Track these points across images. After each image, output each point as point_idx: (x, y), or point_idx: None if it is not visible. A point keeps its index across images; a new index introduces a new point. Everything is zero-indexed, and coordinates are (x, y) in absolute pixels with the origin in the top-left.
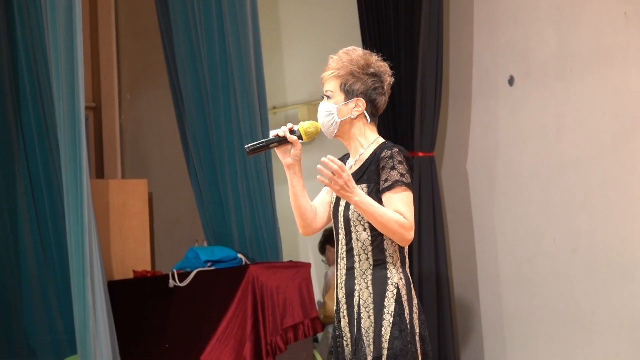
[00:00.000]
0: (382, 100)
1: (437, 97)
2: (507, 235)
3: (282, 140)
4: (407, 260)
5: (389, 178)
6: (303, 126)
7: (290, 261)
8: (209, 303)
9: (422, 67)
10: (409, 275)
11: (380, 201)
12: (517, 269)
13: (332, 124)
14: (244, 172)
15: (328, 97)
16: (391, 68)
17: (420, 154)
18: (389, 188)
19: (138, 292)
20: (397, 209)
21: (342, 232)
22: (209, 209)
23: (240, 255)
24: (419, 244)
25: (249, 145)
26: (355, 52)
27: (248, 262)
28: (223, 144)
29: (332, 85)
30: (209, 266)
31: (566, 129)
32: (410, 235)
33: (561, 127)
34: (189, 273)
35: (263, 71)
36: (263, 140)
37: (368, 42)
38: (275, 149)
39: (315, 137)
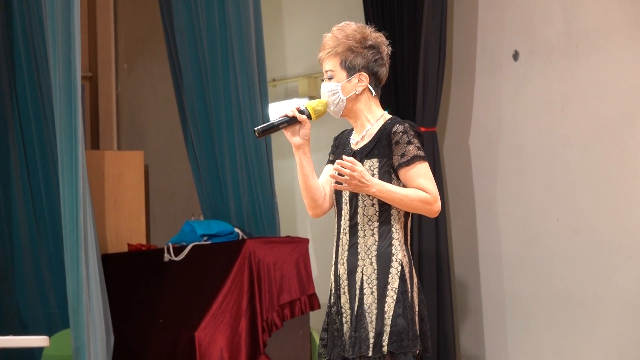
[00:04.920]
0: (384, 72)
1: (440, 72)
2: (510, 214)
3: (291, 120)
4: (409, 238)
5: (406, 153)
6: (312, 105)
7: (288, 236)
8: (205, 278)
9: (425, 41)
10: (411, 253)
11: (391, 175)
12: (519, 248)
13: (338, 102)
14: (242, 146)
15: (330, 77)
16: (394, 42)
17: (422, 129)
18: (407, 163)
19: (132, 266)
20: (420, 185)
21: (346, 208)
22: (206, 183)
23: (237, 230)
24: (419, 222)
25: (259, 127)
26: (349, 27)
27: (245, 237)
28: (221, 116)
29: (331, 64)
30: (205, 240)
31: (571, 106)
32: (438, 206)
33: (566, 105)
34: (185, 247)
35: (263, 43)
36: (272, 121)
37: (370, 14)
38: (283, 129)
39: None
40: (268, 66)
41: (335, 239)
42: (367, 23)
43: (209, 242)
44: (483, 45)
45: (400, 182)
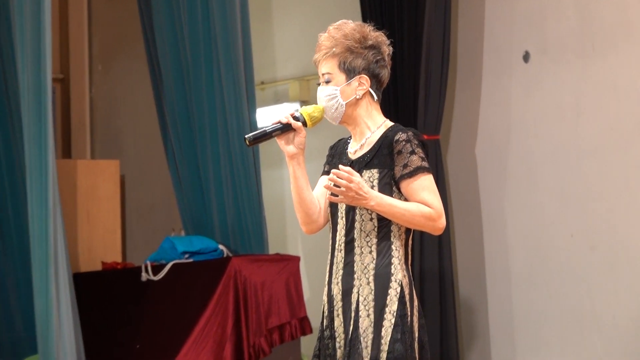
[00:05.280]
0: (386, 74)
1: (444, 74)
2: (519, 229)
3: (285, 128)
4: (410, 257)
5: (409, 164)
6: (307, 111)
7: (277, 254)
8: (186, 299)
9: (427, 41)
10: (411, 273)
11: (392, 187)
12: (530, 266)
13: (336, 107)
14: (228, 154)
15: (327, 80)
16: (394, 41)
17: (424, 136)
18: (410, 175)
19: (107, 286)
20: (423, 199)
21: (341, 222)
22: (187, 195)
23: (221, 247)
24: (421, 237)
25: (249, 135)
26: (347, 26)
27: (230, 254)
28: (205, 122)
29: (329, 67)
30: (187, 258)
31: (586, 111)
32: (442, 223)
33: (581, 110)
34: (164, 265)
35: (251, 42)
36: (264, 128)
37: (368, 11)
38: (276, 137)
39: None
40: (256, 67)
41: (329, 257)
42: (364, 20)
43: (190, 260)
44: (491, 45)
45: (401, 195)
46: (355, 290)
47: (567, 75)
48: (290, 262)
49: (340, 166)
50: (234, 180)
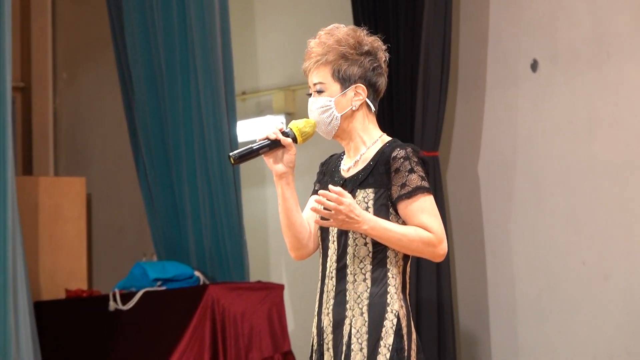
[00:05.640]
0: (383, 82)
1: (444, 85)
2: (526, 256)
3: (273, 144)
4: (407, 285)
5: (407, 183)
6: (297, 125)
7: (259, 282)
8: (158, 331)
9: (425, 48)
10: (409, 303)
11: (388, 209)
12: (538, 297)
13: (330, 121)
14: (205, 172)
15: (319, 91)
16: (389, 49)
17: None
18: (408, 196)
19: (71, 315)
20: (422, 222)
21: (333, 247)
22: (160, 216)
23: (197, 273)
24: (417, 264)
25: (235, 153)
26: (339, 31)
27: (207, 282)
28: (180, 136)
29: (321, 76)
30: (159, 286)
31: (600, 126)
32: (443, 249)
33: (594, 125)
34: (134, 294)
35: (231, 48)
36: (251, 145)
37: (360, 16)
38: (263, 155)
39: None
40: (237, 76)
41: (319, 285)
42: (356, 25)
43: (163, 288)
44: (495, 53)
45: (399, 218)
46: (347, 321)
47: (579, 87)
48: (273, 291)
49: (330, 186)
50: (211, 200)
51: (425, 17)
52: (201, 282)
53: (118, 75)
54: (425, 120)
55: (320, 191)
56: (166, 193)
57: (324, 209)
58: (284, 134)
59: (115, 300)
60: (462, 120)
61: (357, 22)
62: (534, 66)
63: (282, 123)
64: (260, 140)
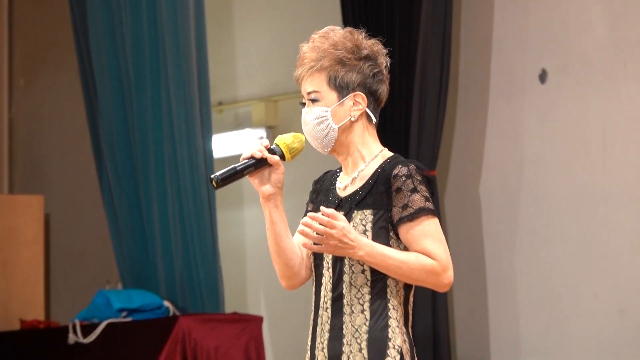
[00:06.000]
0: (384, 90)
1: (442, 98)
2: (532, 287)
3: (259, 163)
4: (410, 317)
5: (409, 204)
6: (285, 141)
7: (235, 313)
8: None
9: (422, 56)
10: (412, 337)
11: (389, 232)
12: (544, 333)
13: (327, 133)
14: (176, 191)
15: (313, 100)
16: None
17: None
18: (410, 218)
19: (26, 349)
20: (425, 248)
21: (327, 274)
22: (126, 239)
23: (166, 303)
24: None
25: (217, 174)
26: (335, 33)
27: (177, 313)
28: (149, 151)
29: (316, 83)
30: (124, 317)
31: (615, 144)
32: (448, 278)
33: (609, 142)
34: (97, 325)
35: (207, 54)
36: (234, 165)
37: (351, 19)
38: (248, 176)
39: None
40: (213, 85)
41: (312, 316)
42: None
43: (129, 319)
44: (500, 62)
45: (400, 242)
46: (344, 358)
47: (592, 100)
48: (250, 324)
49: (322, 208)
50: (183, 223)
51: (423, 22)
52: (171, 313)
53: (81, 83)
54: (422, 135)
55: (309, 214)
56: (133, 214)
57: (316, 233)
58: (270, 151)
59: (75, 332)
60: (462, 136)
61: (347, 26)
62: (543, 77)
63: (263, 138)
64: (244, 159)
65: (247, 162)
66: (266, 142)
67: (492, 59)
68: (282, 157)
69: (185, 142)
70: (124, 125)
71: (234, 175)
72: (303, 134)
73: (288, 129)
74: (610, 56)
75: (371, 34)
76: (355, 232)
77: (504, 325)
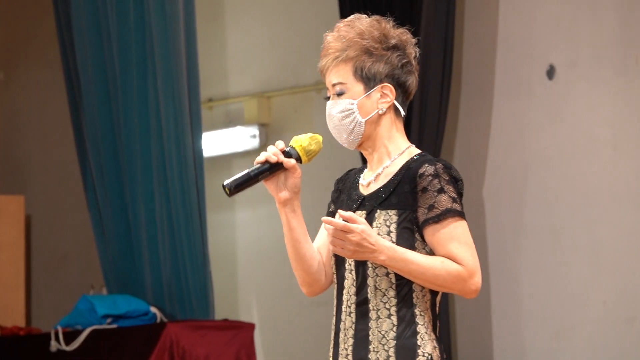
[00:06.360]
0: (413, 82)
1: (444, 95)
2: (538, 293)
3: (274, 168)
4: (438, 321)
5: (436, 205)
6: (301, 143)
7: (226, 320)
8: None
9: (423, 52)
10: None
11: (414, 234)
12: (550, 342)
13: (353, 127)
14: (164, 192)
15: (339, 93)
16: None
17: None
18: (436, 220)
19: (6, 356)
20: (451, 252)
21: (350, 277)
22: (111, 243)
23: (153, 309)
24: None
25: (230, 181)
26: (362, 22)
27: (165, 320)
28: (136, 149)
29: (341, 75)
30: (109, 323)
31: (626, 144)
32: (475, 283)
33: (619, 143)
34: (80, 332)
35: (196, 49)
36: (247, 171)
37: (348, 12)
38: (264, 181)
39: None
40: (203, 80)
41: (333, 321)
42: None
43: (114, 326)
44: (505, 57)
45: (426, 245)
46: None
47: (602, 97)
48: (242, 331)
49: (340, 211)
50: (172, 225)
51: (424, 15)
52: (158, 320)
53: (64, 78)
54: (422, 135)
55: (323, 218)
56: (118, 216)
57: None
58: (286, 154)
59: (57, 339)
60: (466, 135)
61: (344, 17)
62: (550, 72)
63: (281, 142)
64: (257, 163)
65: (261, 167)
66: (281, 144)
67: (497, 54)
68: (299, 159)
69: (174, 140)
70: (109, 123)
71: (248, 182)
72: (300, 135)
73: (281, 126)
74: (621, 51)
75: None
76: (376, 235)
77: (509, 333)
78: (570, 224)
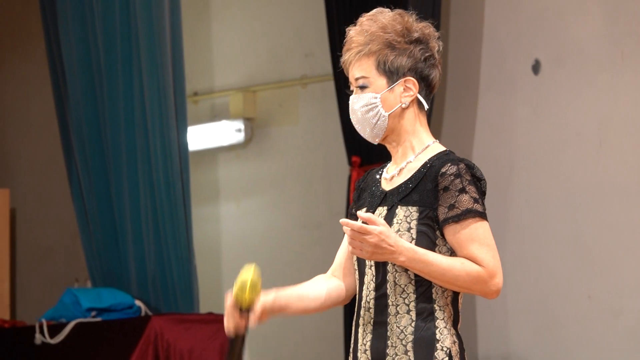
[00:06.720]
0: (437, 75)
1: None
2: (522, 289)
3: (240, 339)
4: (460, 316)
5: (456, 205)
6: (240, 294)
7: (211, 313)
8: None
9: None
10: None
11: (435, 232)
12: (535, 336)
13: (377, 121)
14: (149, 184)
15: (362, 86)
16: None
17: None
18: (456, 219)
19: None
20: (472, 253)
21: (370, 273)
22: (96, 235)
23: (138, 303)
24: None
25: None
26: (384, 16)
27: (149, 313)
28: (121, 143)
29: (364, 69)
30: (94, 316)
31: (612, 140)
32: (496, 285)
33: (604, 137)
34: (65, 325)
35: (182, 42)
36: (229, 348)
37: (334, 8)
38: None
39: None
40: (188, 74)
41: (354, 317)
42: (329, 18)
43: (98, 319)
44: (491, 51)
45: (446, 243)
46: None
47: (588, 92)
48: None
49: (359, 213)
50: (156, 219)
51: (410, 10)
52: (143, 313)
53: (49, 70)
54: None
55: (341, 220)
56: (103, 209)
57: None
58: (241, 313)
59: (42, 332)
60: (450, 130)
61: (330, 13)
62: (536, 67)
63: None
64: (230, 336)
65: (234, 339)
66: (226, 316)
67: (483, 48)
68: (245, 310)
69: (159, 134)
70: (95, 116)
71: (236, 354)
72: (242, 276)
73: (266, 120)
74: (607, 46)
75: (352, 22)
76: (395, 236)
77: (493, 328)
78: (555, 219)
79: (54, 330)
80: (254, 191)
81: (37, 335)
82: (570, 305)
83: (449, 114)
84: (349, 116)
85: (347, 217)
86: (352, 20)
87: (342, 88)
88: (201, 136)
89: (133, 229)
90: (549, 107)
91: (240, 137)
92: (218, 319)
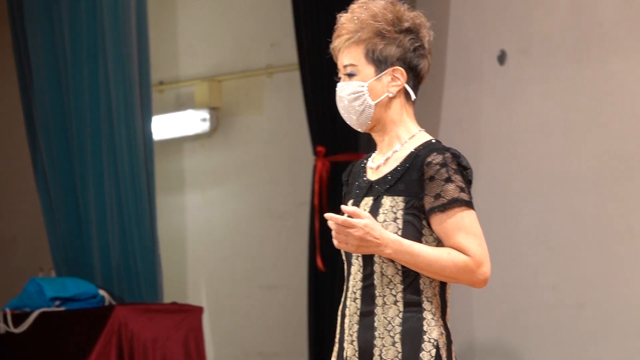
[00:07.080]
0: (426, 65)
1: None
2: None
3: None
4: (448, 307)
5: (442, 194)
6: None
7: (175, 303)
8: (55, 359)
9: None
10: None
11: (421, 221)
12: (500, 326)
13: (363, 110)
14: (114, 174)
15: (350, 74)
16: (331, 41)
17: None
18: (442, 209)
19: None
20: (458, 243)
21: (357, 263)
22: (60, 225)
23: (102, 292)
24: None
25: None
26: (376, 4)
27: (114, 302)
28: (86, 132)
29: (353, 56)
30: (58, 306)
31: (577, 129)
32: (483, 273)
33: (570, 127)
34: (29, 315)
35: (147, 31)
36: None
37: (301, 1)
38: None
39: None
40: (153, 63)
41: (340, 307)
42: (295, 8)
43: (62, 309)
44: (457, 42)
45: (432, 232)
46: (376, 351)
47: (554, 83)
48: (190, 314)
49: (342, 207)
50: (121, 208)
51: None
52: (107, 303)
53: (15, 60)
54: None
55: (326, 215)
56: (68, 198)
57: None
58: None
59: (5, 321)
60: (416, 120)
61: (296, 2)
62: (502, 58)
63: None
64: None
65: None
66: None
67: (449, 39)
68: None
69: (124, 123)
70: (59, 105)
71: None
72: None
73: (232, 110)
74: (573, 37)
75: (317, 15)
76: (380, 229)
77: (458, 317)
78: (521, 209)
79: (18, 319)
80: (219, 181)
81: (1, 325)
82: (535, 295)
83: (415, 106)
84: (314, 106)
85: (311, 207)
86: (317, 10)
87: (308, 78)
88: (166, 125)
89: (97, 218)
90: (514, 98)
91: (205, 126)
92: (182, 308)
